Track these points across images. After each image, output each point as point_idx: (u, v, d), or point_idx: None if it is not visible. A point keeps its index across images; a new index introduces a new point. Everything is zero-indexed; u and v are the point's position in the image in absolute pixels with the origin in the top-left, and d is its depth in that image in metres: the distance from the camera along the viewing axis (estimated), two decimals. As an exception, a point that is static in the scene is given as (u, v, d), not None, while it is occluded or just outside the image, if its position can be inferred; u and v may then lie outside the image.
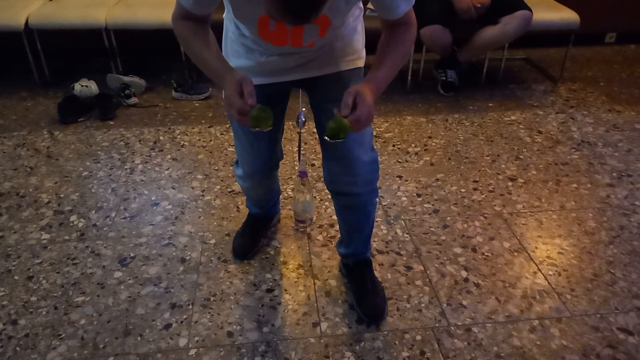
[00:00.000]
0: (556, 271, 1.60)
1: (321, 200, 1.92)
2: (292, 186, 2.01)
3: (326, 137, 1.01)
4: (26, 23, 2.66)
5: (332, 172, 1.28)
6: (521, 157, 2.23)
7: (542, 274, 1.58)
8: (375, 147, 1.30)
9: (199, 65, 1.10)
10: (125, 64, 2.92)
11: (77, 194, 1.98)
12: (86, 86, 2.68)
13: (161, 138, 2.38)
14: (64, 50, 3.14)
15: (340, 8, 1.06)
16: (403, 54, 1.12)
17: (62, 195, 1.96)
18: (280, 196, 1.83)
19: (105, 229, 1.78)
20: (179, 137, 2.39)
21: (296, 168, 2.12)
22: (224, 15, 1.27)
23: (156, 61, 3.19)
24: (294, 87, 1.34)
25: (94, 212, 1.87)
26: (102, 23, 2.68)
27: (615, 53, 3.42)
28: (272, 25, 1.08)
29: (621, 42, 3.53)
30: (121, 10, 2.78)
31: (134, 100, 2.69)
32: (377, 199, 1.39)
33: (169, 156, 2.23)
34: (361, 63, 1.28)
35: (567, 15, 2.74)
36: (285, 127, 2.41)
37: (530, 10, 2.49)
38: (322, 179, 1.35)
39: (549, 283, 1.55)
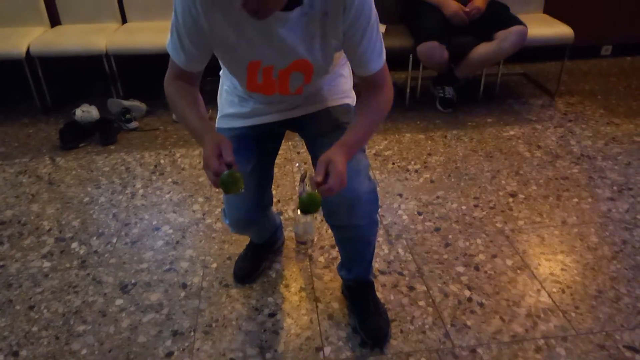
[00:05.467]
0: (560, 288, 1.59)
1: (322, 220, 1.92)
2: (293, 207, 2.01)
3: (298, 211, 1.05)
4: (27, 51, 2.69)
5: (330, 204, 1.27)
6: (521, 172, 2.23)
7: (546, 292, 1.57)
8: (374, 165, 1.30)
9: (183, 124, 1.13)
10: (125, 88, 2.96)
11: (78, 220, 1.98)
12: (87, 111, 2.70)
13: (162, 161, 2.39)
14: (65, 76, 3.17)
15: (318, 61, 1.11)
16: (375, 119, 1.17)
17: (63, 222, 1.97)
18: (281, 217, 1.83)
19: (106, 255, 1.78)
20: (179, 160, 2.40)
21: (296, 189, 2.13)
22: (220, 73, 1.37)
23: (156, 84, 3.20)
24: (286, 129, 1.39)
25: (95, 238, 1.87)
26: (102, 49, 2.71)
27: (612, 65, 3.44)
28: (260, 77, 1.14)
29: (617, 54, 3.56)
30: (121, 36, 2.82)
31: (134, 124, 2.71)
32: (377, 228, 1.38)
33: (169, 180, 2.24)
34: (349, 101, 1.34)
35: (561, 30, 2.77)
36: (285, 146, 2.42)
37: (525, 25, 2.52)
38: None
39: (553, 301, 1.54)
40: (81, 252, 1.80)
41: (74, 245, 1.84)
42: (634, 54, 3.55)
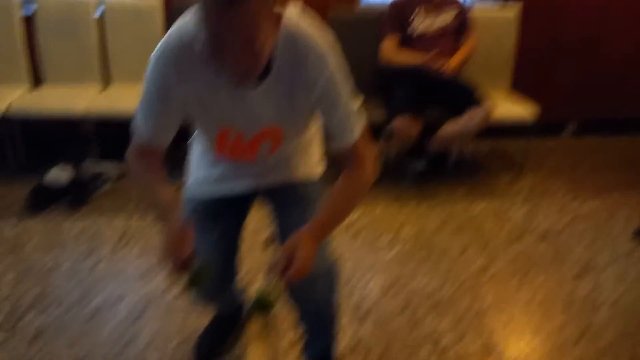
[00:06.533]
0: (527, 372, 1.57)
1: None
2: (261, 281, 1.98)
3: (252, 310, 1.04)
4: (6, 111, 2.70)
5: None
6: (490, 247, 2.26)
7: (513, 375, 1.55)
8: (344, 238, 1.30)
9: (146, 201, 1.13)
10: (101, 150, 2.96)
11: (38, 287, 1.91)
12: (60, 172, 2.68)
13: (132, 226, 2.36)
14: (41, 137, 3.17)
15: (288, 126, 1.14)
16: (351, 198, 1.15)
17: (22, 290, 1.90)
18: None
19: (63, 328, 1.71)
20: (149, 226, 2.37)
21: (266, 265, 2.11)
22: (189, 141, 1.40)
23: (134, 147, 3.23)
24: (255, 198, 1.39)
25: (53, 307, 1.80)
26: (82, 112, 2.74)
27: (578, 142, 3.59)
28: (230, 141, 1.16)
29: (582, 132, 3.72)
30: (102, 100, 2.86)
31: (107, 186, 2.70)
32: (338, 303, 1.36)
33: (136, 247, 2.20)
34: (319, 170, 1.36)
35: (526, 110, 2.91)
36: (256, 216, 2.41)
37: (489, 107, 2.63)
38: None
39: (519, 385, 1.52)
40: (37, 323, 1.73)
41: (30, 315, 1.76)
42: (598, 132, 3.72)
